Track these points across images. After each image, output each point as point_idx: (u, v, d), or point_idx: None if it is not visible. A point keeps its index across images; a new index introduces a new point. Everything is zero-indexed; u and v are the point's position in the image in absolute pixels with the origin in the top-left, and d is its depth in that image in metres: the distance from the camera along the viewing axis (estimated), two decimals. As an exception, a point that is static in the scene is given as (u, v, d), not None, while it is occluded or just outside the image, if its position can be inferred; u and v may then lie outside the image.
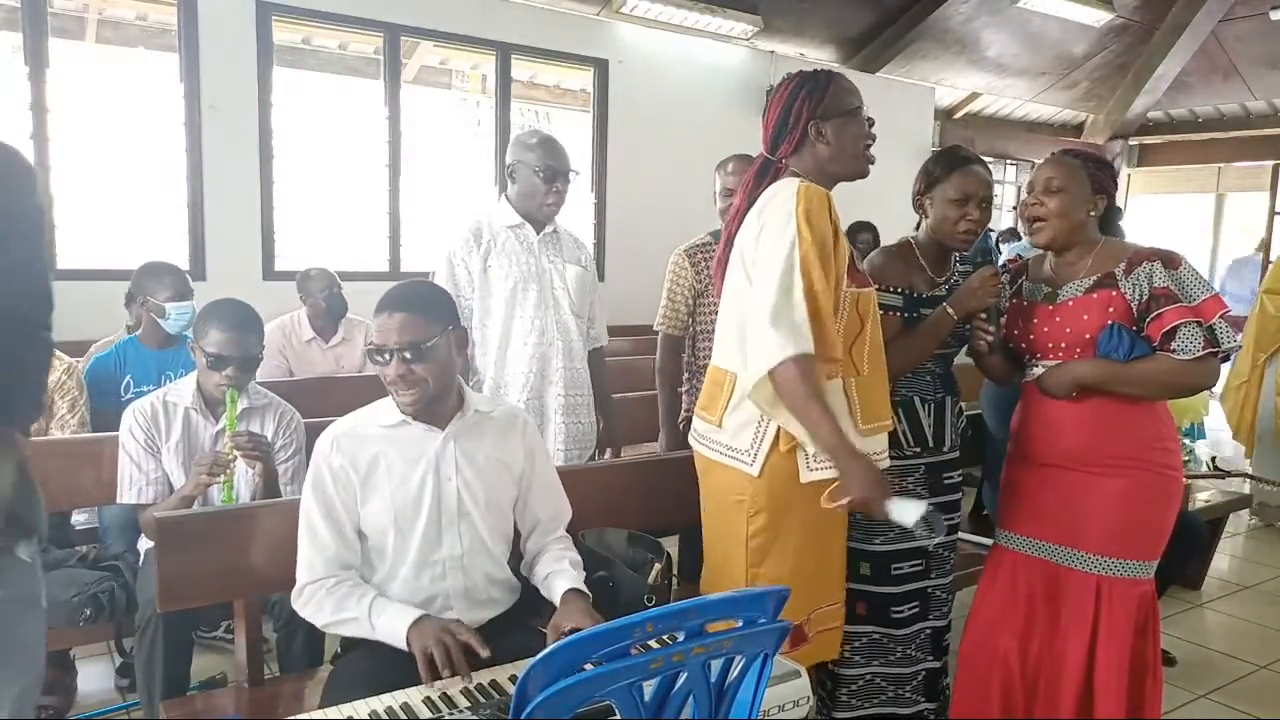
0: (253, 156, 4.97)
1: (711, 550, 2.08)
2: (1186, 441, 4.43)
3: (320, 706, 1.62)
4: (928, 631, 2.32)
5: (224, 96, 4.85)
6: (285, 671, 2.32)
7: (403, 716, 1.49)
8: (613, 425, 2.97)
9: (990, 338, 2.19)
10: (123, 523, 2.70)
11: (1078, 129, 10.70)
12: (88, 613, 2.32)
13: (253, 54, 4.93)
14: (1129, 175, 10.84)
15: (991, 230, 6.69)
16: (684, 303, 2.82)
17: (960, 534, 2.82)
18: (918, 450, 2.25)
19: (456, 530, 1.85)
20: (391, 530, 1.82)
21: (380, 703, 1.53)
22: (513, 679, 1.62)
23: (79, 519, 3.03)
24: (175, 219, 4.89)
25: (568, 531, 2.05)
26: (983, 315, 2.18)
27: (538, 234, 2.68)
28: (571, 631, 1.54)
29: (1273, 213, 8.74)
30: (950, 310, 2.16)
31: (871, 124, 1.98)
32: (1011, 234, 7.31)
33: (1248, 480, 4.27)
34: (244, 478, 2.39)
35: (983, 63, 8.66)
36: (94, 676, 2.89)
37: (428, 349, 1.76)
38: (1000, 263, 2.48)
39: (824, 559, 2.03)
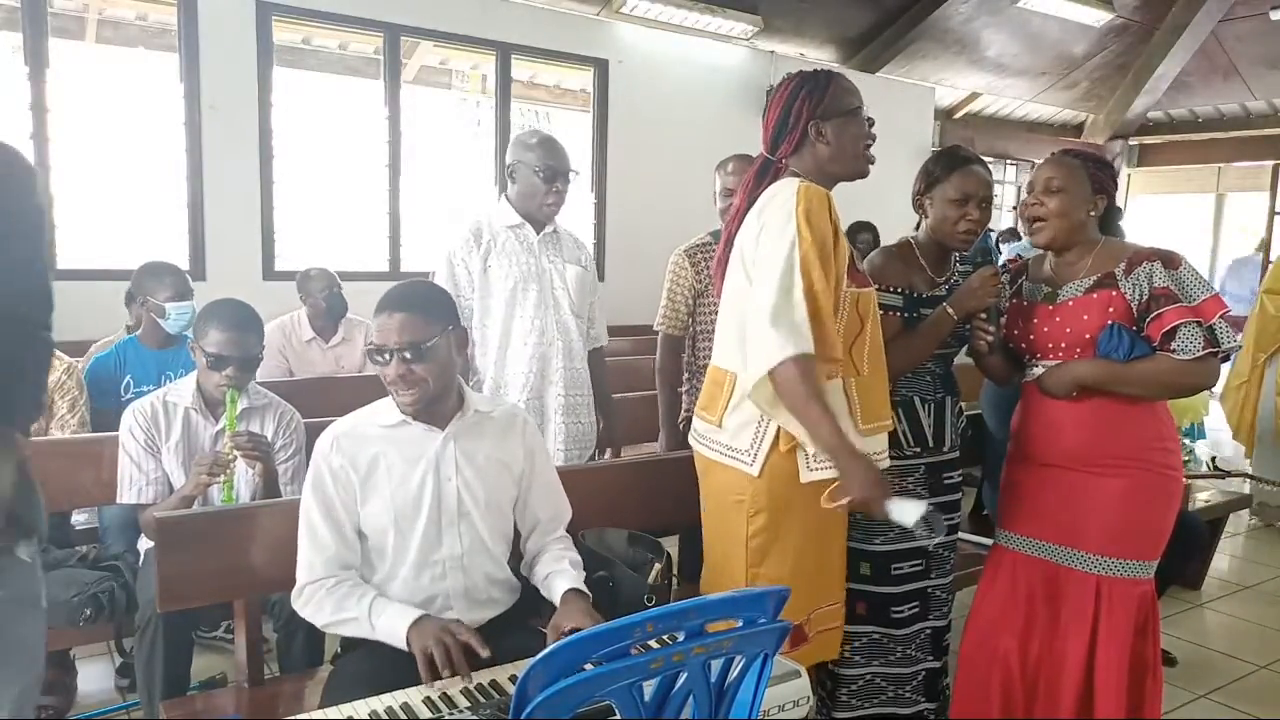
0: (253, 156, 4.97)
1: (711, 550, 2.08)
2: (1186, 441, 4.43)
3: (320, 706, 1.62)
4: (928, 631, 2.32)
5: (224, 96, 4.85)
6: (285, 671, 2.33)
7: (403, 716, 1.49)
8: (613, 425, 2.97)
9: (990, 338, 2.19)
10: (123, 523, 2.70)
11: (1078, 129, 10.69)
12: (88, 613, 2.32)
13: (253, 54, 4.93)
14: (1129, 175, 10.83)
15: (991, 230, 6.70)
16: (684, 303, 2.82)
17: (960, 534, 2.81)
18: (918, 450, 2.25)
19: (456, 530, 1.85)
20: (391, 530, 1.82)
21: (380, 703, 1.53)
22: (513, 679, 1.62)
23: (79, 519, 3.03)
24: (175, 219, 4.89)
25: (568, 531, 2.05)
26: (983, 315, 2.18)
27: (538, 234, 2.68)
28: (571, 631, 1.54)
29: (1273, 213, 8.73)
30: (950, 310, 2.16)
31: (871, 124, 1.98)
32: (1011, 234, 7.31)
33: (1248, 480, 4.27)
34: (244, 478, 2.39)
35: (983, 63, 8.66)
36: (94, 676, 2.89)
37: (428, 349, 1.76)
38: (1000, 263, 2.48)
39: (824, 559, 2.03)
